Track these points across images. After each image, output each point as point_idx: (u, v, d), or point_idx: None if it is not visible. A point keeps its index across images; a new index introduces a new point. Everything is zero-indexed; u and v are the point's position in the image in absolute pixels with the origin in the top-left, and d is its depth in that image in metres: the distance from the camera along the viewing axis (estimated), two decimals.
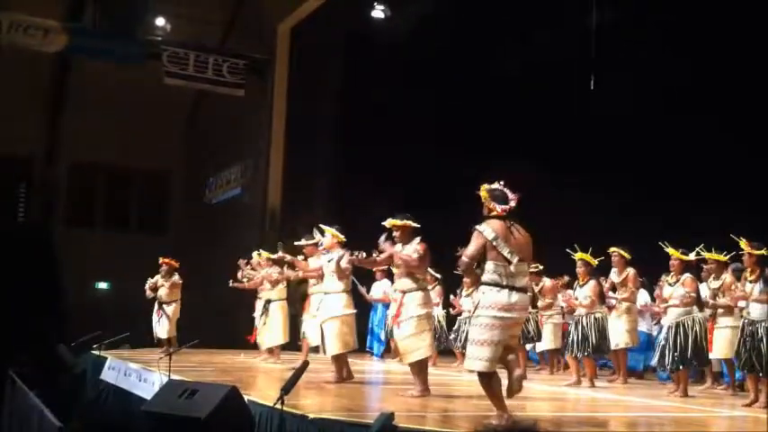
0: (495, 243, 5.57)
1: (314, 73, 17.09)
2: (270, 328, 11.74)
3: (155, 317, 12.85)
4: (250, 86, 18.01)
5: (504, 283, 5.57)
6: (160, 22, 18.46)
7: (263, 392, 6.55)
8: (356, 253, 8.29)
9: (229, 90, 17.90)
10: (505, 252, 5.57)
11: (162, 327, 12.69)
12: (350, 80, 16.25)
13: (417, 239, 7.61)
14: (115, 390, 9.76)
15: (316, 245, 9.89)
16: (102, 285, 20.86)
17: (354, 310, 9.05)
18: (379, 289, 13.23)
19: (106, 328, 11.48)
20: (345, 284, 8.81)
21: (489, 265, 5.60)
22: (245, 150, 19.16)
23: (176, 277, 12.84)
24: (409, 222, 7.64)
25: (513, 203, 5.76)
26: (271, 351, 11.90)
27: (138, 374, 9.08)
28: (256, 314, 12.25)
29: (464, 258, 5.68)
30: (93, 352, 11.19)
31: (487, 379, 5.66)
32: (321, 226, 9.07)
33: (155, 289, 12.85)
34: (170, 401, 6.25)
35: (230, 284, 12.79)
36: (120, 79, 18.29)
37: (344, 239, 8.95)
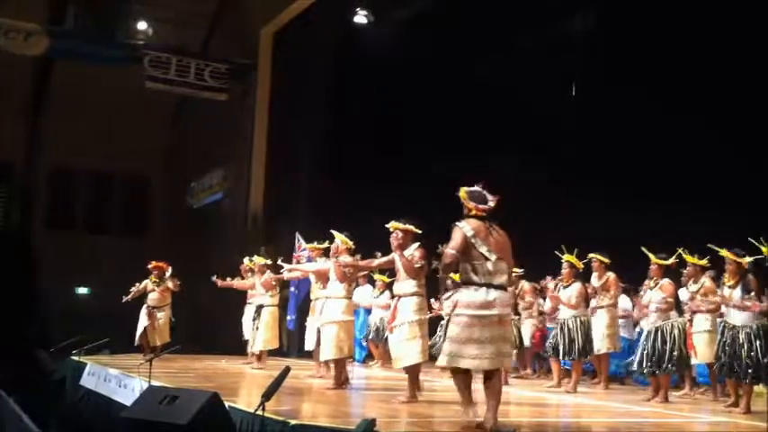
0: (473, 240, 5.66)
1: (296, 78, 17.07)
2: (261, 332, 11.71)
3: (143, 321, 12.69)
4: (232, 91, 17.98)
5: (482, 282, 5.65)
6: (142, 25, 18.41)
7: (244, 399, 6.51)
8: (356, 257, 8.38)
9: (211, 95, 17.85)
10: (483, 250, 5.65)
11: (158, 332, 12.59)
12: (333, 85, 16.24)
13: (416, 245, 7.62)
14: (95, 396, 9.68)
15: (323, 249, 9.82)
16: (83, 290, 20.72)
17: (353, 318, 9.08)
18: (361, 294, 13.22)
19: (86, 332, 11.40)
20: (347, 290, 8.83)
21: (466, 265, 5.69)
22: (227, 155, 19.12)
23: (170, 283, 12.73)
24: (411, 228, 7.63)
25: (492, 204, 5.85)
26: (259, 356, 11.86)
27: (119, 380, 9.02)
28: (245, 319, 12.20)
29: (448, 251, 5.70)
30: (73, 357, 11.10)
31: (461, 377, 5.77)
32: (332, 231, 9.05)
33: (143, 294, 12.73)
34: (150, 408, 6.20)
35: (218, 284, 12.72)
36: (101, 83, 18.20)
37: (353, 246, 8.95)
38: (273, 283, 11.67)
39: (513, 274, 10.36)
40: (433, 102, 14.05)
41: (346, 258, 8.75)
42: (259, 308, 11.79)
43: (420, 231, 7.67)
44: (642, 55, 11.83)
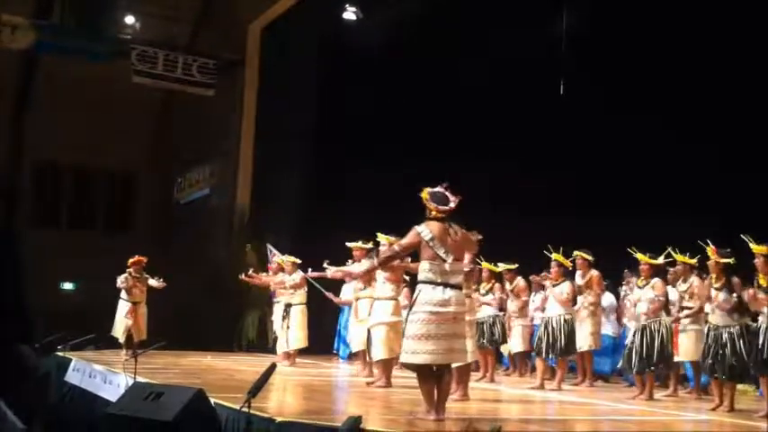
0: (431, 243, 5.90)
1: (284, 74, 17.04)
2: (293, 331, 11.77)
3: (124, 317, 12.63)
4: (220, 86, 17.92)
5: (439, 281, 5.86)
6: (130, 20, 18.32)
7: (229, 395, 6.50)
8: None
9: (199, 90, 17.80)
10: (441, 252, 5.88)
11: (139, 328, 12.56)
12: (321, 81, 16.22)
13: None
14: (80, 392, 9.64)
15: (367, 249, 9.99)
16: (68, 286, 20.63)
17: (402, 318, 9.13)
18: (349, 292, 13.20)
19: (71, 328, 11.35)
20: (395, 291, 8.96)
21: (425, 264, 5.92)
22: (214, 150, 19.07)
23: (153, 282, 12.70)
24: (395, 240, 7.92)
25: (452, 205, 6.04)
26: (288, 355, 11.91)
27: (104, 376, 8.98)
28: (275, 318, 12.18)
29: (395, 246, 6.21)
30: (58, 353, 11.05)
31: (422, 373, 5.89)
32: (378, 234, 9.17)
33: (128, 289, 12.69)
34: (135, 404, 6.19)
35: (242, 277, 12.85)
36: (87, 78, 18.11)
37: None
38: (298, 281, 11.79)
39: (511, 270, 10.75)
40: (421, 99, 14.05)
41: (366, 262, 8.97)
42: (287, 306, 11.84)
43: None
44: (629, 59, 11.87)
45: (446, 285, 5.85)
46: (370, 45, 14.64)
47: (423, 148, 13.83)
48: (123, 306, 12.70)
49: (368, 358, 9.56)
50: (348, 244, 10.38)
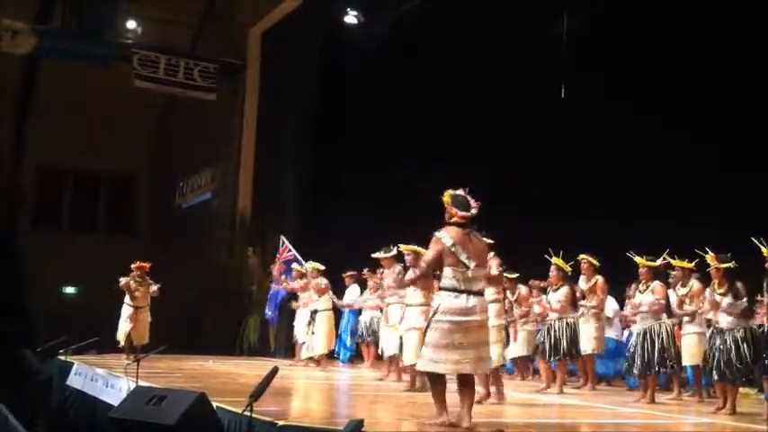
0: (453, 249, 5.71)
1: (286, 78, 17.05)
2: (318, 337, 11.86)
3: (126, 322, 12.64)
4: (221, 91, 17.94)
5: (462, 288, 5.70)
6: (131, 24, 18.36)
7: (231, 399, 6.50)
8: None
9: (200, 94, 17.81)
10: (463, 258, 5.70)
11: (140, 333, 12.57)
12: (322, 85, 16.22)
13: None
14: (82, 396, 9.64)
15: (394, 257, 10.17)
16: (70, 290, 20.63)
17: None
18: (350, 296, 13.22)
19: (73, 332, 11.34)
20: (426, 297, 8.96)
21: (447, 271, 5.74)
22: (215, 155, 19.08)
23: (154, 288, 12.72)
24: (420, 250, 8.41)
25: (474, 211, 5.88)
26: (313, 360, 12.04)
27: (105, 380, 8.98)
28: (297, 323, 12.32)
29: (421, 263, 5.98)
30: (60, 357, 11.04)
31: (437, 381, 5.78)
32: (401, 245, 9.38)
33: (123, 293, 12.69)
34: (137, 408, 6.18)
35: (282, 284, 12.99)
36: (89, 82, 18.13)
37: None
38: (324, 287, 11.97)
39: (510, 278, 10.63)
40: (421, 100, 14.05)
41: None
42: (313, 313, 11.92)
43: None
44: (630, 60, 11.89)
45: (469, 293, 5.70)
46: (370, 48, 14.65)
47: (422, 149, 13.84)
48: (126, 310, 12.72)
49: (400, 363, 9.68)
50: (374, 255, 10.48)
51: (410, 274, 8.66)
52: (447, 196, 5.91)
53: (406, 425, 6.21)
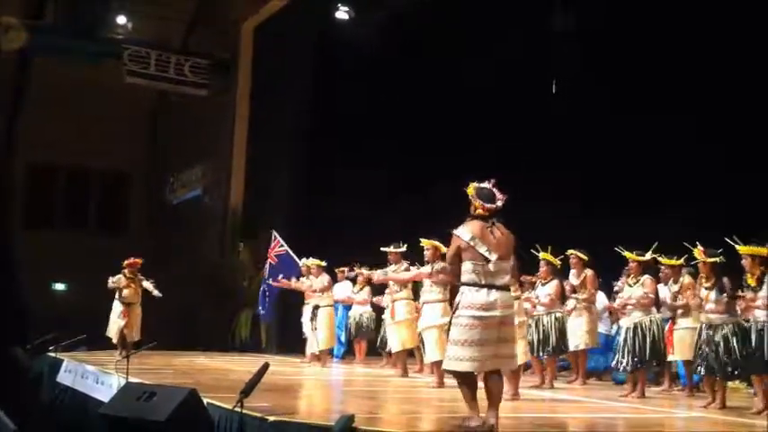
0: (472, 242, 5.53)
1: (277, 73, 17.02)
2: (320, 333, 11.84)
3: (118, 318, 12.61)
4: (213, 86, 17.90)
5: (483, 282, 5.51)
6: (122, 20, 18.29)
7: (222, 395, 6.49)
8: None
9: (192, 90, 17.79)
10: (482, 250, 5.51)
11: (132, 329, 12.55)
12: (315, 81, 16.20)
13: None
14: (72, 392, 9.62)
15: (402, 254, 10.28)
16: (60, 287, 20.57)
17: None
18: (341, 290, 13.23)
19: (65, 329, 11.32)
20: (443, 293, 9.00)
21: (467, 265, 5.56)
22: (207, 151, 19.05)
23: (149, 284, 12.69)
24: (439, 245, 8.57)
25: (500, 204, 5.74)
26: (315, 356, 12.01)
27: (96, 377, 8.97)
28: (304, 319, 12.27)
29: (446, 266, 6.02)
30: (50, 354, 11.02)
31: (464, 379, 5.56)
32: (422, 240, 9.18)
33: (114, 289, 12.65)
34: (128, 404, 6.18)
35: (293, 285, 12.86)
36: (80, 78, 18.08)
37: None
38: (326, 284, 11.97)
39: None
40: (416, 97, 14.04)
41: (440, 264, 8.81)
42: (315, 308, 11.91)
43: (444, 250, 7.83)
44: (634, 59, 11.86)
45: (491, 287, 5.50)
46: (362, 44, 14.63)
47: (416, 146, 13.83)
48: (118, 307, 12.68)
49: (424, 360, 9.88)
50: (383, 249, 10.49)
51: (426, 269, 9.11)
52: (471, 188, 5.75)
53: (399, 420, 6.21)
